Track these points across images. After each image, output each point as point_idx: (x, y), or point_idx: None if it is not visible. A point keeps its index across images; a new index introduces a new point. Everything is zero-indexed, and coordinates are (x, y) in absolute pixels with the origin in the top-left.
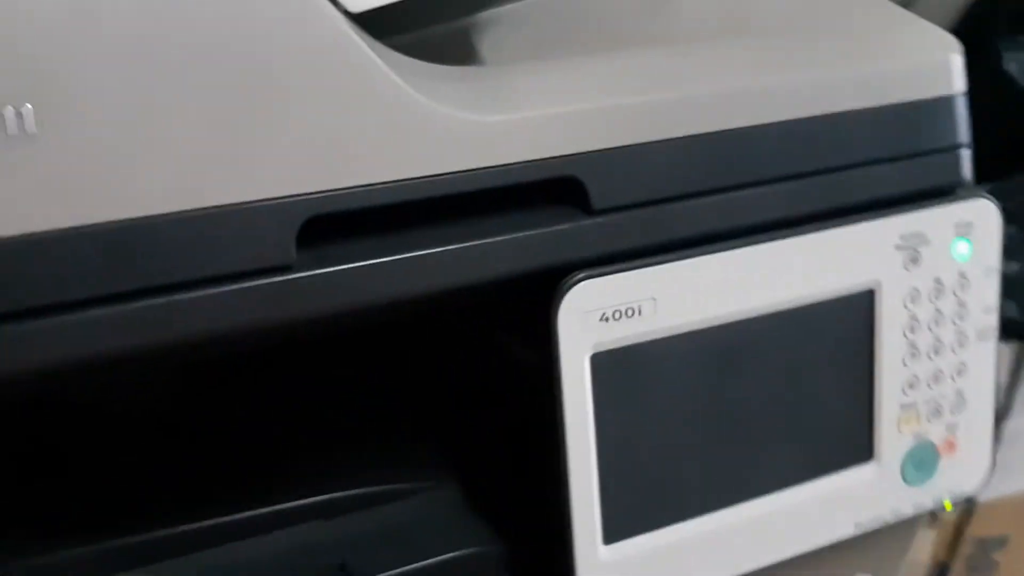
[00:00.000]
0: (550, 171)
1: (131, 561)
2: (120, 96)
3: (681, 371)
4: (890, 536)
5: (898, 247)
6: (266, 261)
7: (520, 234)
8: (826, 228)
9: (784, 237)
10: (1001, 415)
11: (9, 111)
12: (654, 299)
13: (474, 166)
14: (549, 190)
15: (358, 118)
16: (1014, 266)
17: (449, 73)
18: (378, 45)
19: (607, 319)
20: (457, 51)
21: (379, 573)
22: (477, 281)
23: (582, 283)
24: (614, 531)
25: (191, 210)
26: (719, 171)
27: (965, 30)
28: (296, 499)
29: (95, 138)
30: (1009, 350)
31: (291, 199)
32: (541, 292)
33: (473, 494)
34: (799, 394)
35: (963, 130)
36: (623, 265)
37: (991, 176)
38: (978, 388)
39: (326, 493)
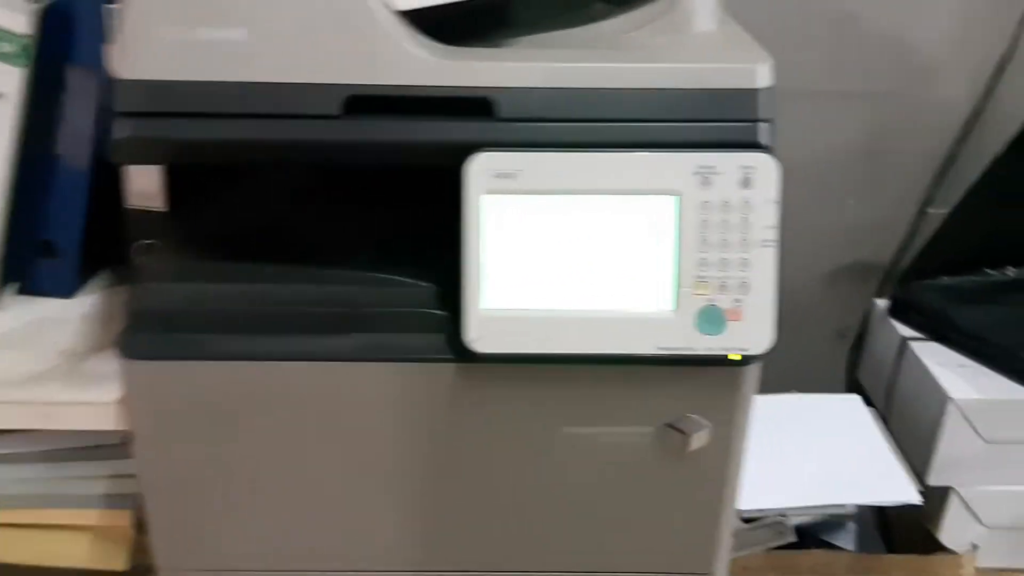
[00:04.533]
0: (478, 93)
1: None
2: None
3: (544, 218)
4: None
5: (695, 172)
6: (329, 111)
7: (456, 123)
8: (648, 151)
9: (616, 151)
10: None
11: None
12: (523, 170)
13: (434, 84)
14: (477, 105)
15: (373, 54)
16: None
17: (445, 47)
18: (411, 28)
19: (495, 177)
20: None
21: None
22: (432, 143)
23: (482, 154)
24: (490, 302)
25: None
26: (580, 109)
27: None
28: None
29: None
30: None
31: (341, 84)
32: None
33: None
34: (625, 252)
35: (764, 111)
36: (510, 150)
37: None
38: (761, 280)
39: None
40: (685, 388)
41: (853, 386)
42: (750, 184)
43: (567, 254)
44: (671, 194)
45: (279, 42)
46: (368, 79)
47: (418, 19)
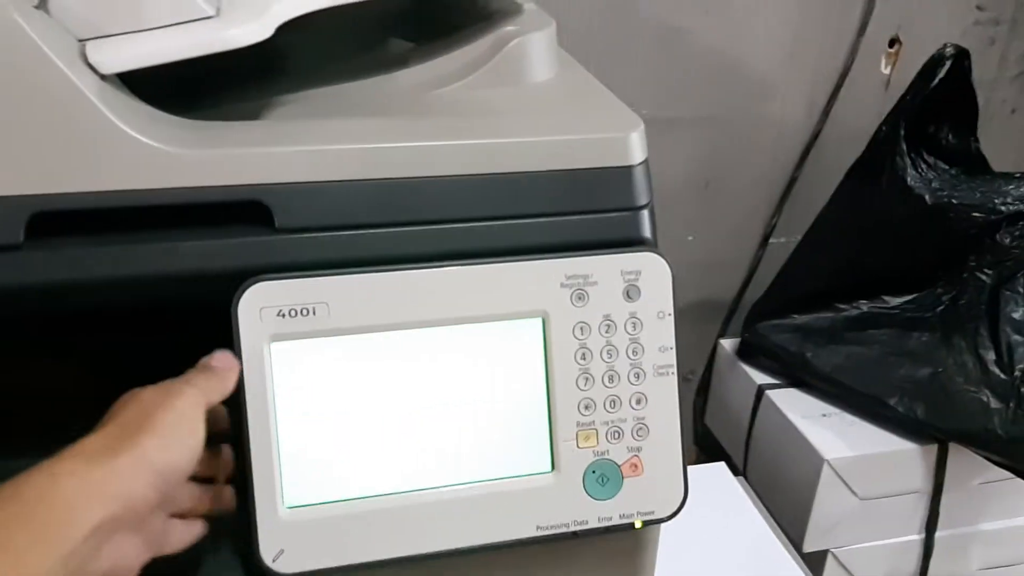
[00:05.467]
0: (244, 193)
1: None
2: None
3: (360, 366)
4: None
5: (563, 284)
6: (6, 238)
7: (215, 241)
8: (494, 262)
9: (454, 265)
10: (931, 524)
11: None
12: (324, 302)
13: (175, 185)
14: (244, 211)
15: (75, 147)
16: (926, 371)
17: (187, 123)
18: (133, 99)
19: (284, 315)
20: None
21: None
22: (175, 273)
23: (259, 284)
24: (295, 497)
25: None
26: (396, 209)
27: (872, 151)
28: None
29: None
30: (929, 453)
31: (20, 196)
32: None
33: None
34: (477, 400)
35: (641, 194)
36: (299, 273)
37: (915, 287)
38: (662, 419)
39: None
40: (575, 564)
41: (702, 432)
42: (637, 294)
43: (399, 415)
44: (533, 316)
45: None
46: (64, 186)
47: (142, 83)
